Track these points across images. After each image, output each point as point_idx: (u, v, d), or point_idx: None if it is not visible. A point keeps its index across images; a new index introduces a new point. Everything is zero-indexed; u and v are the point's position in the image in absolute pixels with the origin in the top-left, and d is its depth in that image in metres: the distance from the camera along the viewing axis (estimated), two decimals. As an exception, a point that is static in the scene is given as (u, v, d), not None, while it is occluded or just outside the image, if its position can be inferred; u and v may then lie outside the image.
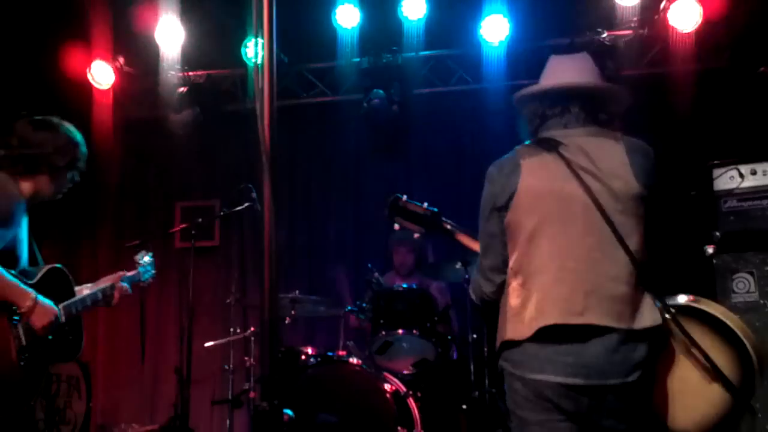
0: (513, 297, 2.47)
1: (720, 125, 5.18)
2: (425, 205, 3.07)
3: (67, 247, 7.04)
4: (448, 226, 3.00)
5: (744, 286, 3.35)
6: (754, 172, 3.47)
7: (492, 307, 2.60)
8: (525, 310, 2.42)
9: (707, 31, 5.53)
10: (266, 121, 1.80)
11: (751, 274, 3.34)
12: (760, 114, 5.01)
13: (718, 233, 3.43)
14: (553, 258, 2.42)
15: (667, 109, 5.48)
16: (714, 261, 3.41)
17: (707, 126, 5.27)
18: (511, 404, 2.48)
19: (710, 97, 5.42)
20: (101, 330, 7.05)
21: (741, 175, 3.47)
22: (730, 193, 3.47)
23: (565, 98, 2.58)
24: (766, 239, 3.35)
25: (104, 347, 7.06)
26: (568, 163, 2.47)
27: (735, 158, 3.51)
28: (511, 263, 2.52)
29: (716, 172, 3.52)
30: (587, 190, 2.43)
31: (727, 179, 3.49)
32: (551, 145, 2.52)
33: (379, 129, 6.41)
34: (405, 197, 3.09)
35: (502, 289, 2.55)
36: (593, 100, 2.58)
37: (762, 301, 3.30)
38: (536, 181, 2.49)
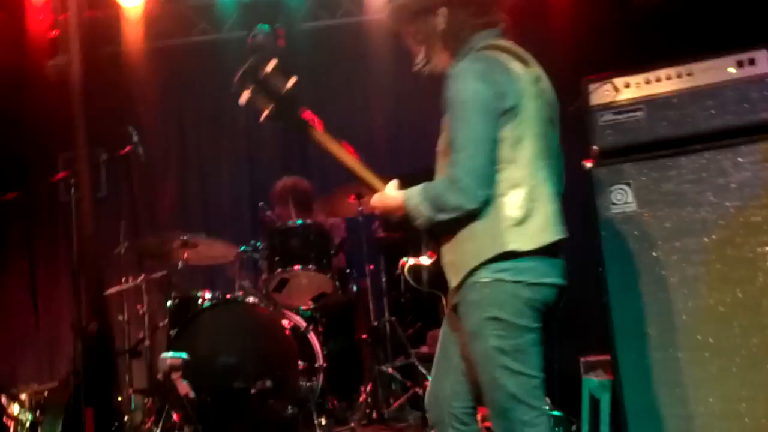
0: (511, 209, 2.47)
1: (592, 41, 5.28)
2: (292, 82, 2.75)
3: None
4: (312, 123, 2.75)
5: (622, 197, 3.42)
6: (627, 85, 3.51)
7: (447, 225, 2.52)
8: (530, 222, 2.48)
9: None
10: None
11: (628, 185, 3.41)
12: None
13: (596, 147, 3.48)
14: (541, 170, 2.56)
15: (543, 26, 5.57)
16: (592, 175, 3.46)
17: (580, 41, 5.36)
18: (509, 314, 2.45)
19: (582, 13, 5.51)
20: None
21: (616, 89, 3.51)
22: (606, 107, 3.51)
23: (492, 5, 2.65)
24: (641, 150, 3.42)
25: (-6, 309, 6.79)
26: (527, 72, 2.59)
27: (609, 72, 3.54)
28: (509, 172, 2.49)
29: (592, 86, 3.55)
30: (543, 100, 2.61)
31: (603, 93, 3.53)
32: (511, 53, 2.60)
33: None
34: (275, 63, 2.76)
35: (483, 204, 2.47)
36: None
37: (640, 210, 3.38)
38: (526, 87, 2.54)
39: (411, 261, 2.74)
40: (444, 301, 2.72)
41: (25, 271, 6.42)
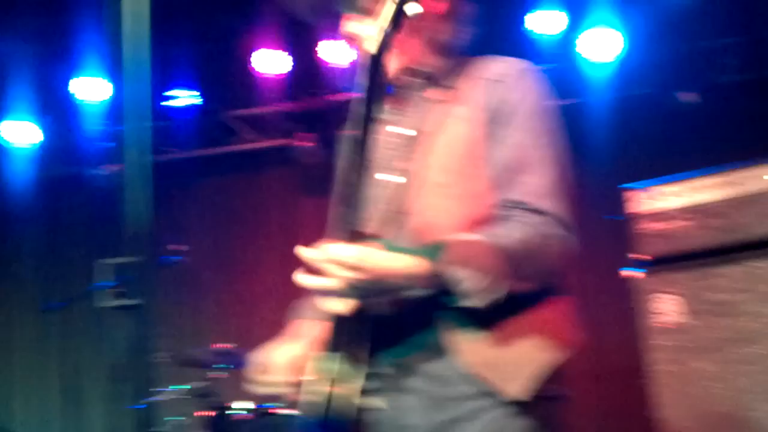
0: None
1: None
2: None
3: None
4: None
5: (668, 306, 3.36)
6: (672, 193, 3.49)
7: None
8: None
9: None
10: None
11: (676, 293, 3.36)
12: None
13: (641, 255, 3.45)
14: None
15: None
16: (638, 284, 3.42)
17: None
18: None
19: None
20: None
21: (660, 197, 3.50)
22: (650, 215, 3.49)
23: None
24: (687, 258, 3.37)
25: None
26: None
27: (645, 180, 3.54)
28: None
29: (634, 194, 3.54)
30: None
31: (647, 201, 3.52)
32: None
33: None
34: None
35: None
36: None
37: (686, 321, 3.31)
38: None
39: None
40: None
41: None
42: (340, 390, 1.66)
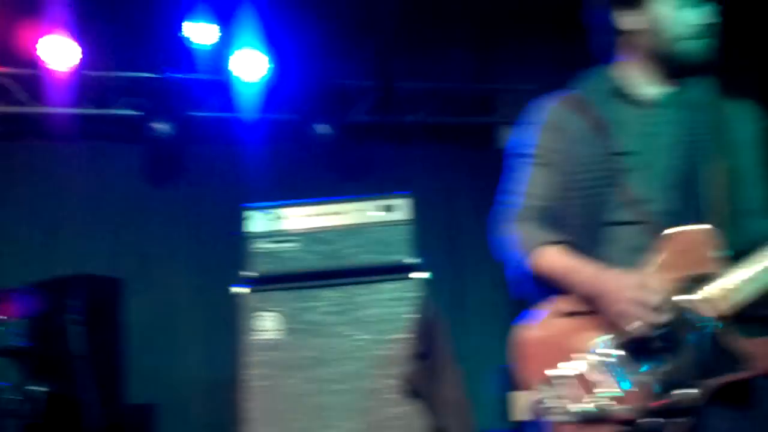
0: None
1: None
2: None
3: None
4: None
5: (269, 324, 3.49)
6: (287, 216, 3.65)
7: None
8: None
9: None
10: None
11: (276, 312, 3.50)
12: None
13: (248, 272, 3.54)
14: None
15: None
16: (242, 300, 3.51)
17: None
18: None
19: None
20: None
21: (276, 218, 3.63)
22: (262, 235, 3.61)
23: None
24: (291, 279, 3.55)
25: None
26: None
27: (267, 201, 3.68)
28: None
29: (250, 213, 3.64)
30: None
31: (262, 222, 3.63)
32: None
33: None
34: None
35: None
36: None
37: (284, 338, 3.47)
38: None
39: None
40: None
41: None
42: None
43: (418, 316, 3.42)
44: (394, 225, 3.56)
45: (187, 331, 5.43)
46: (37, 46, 5.37)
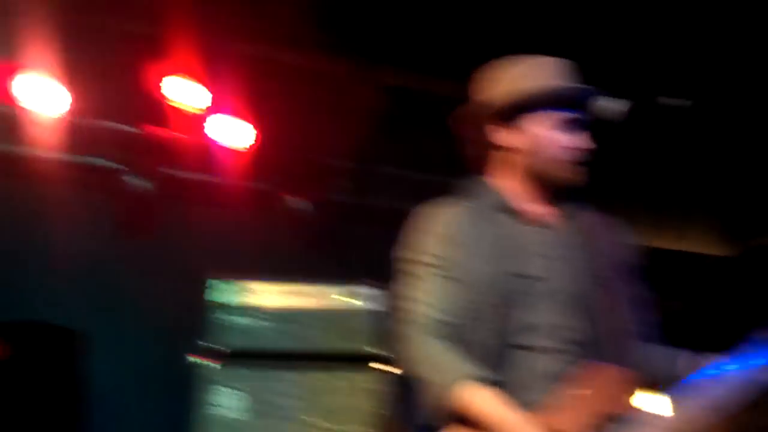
0: None
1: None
2: None
3: None
4: None
5: (230, 401, 3.45)
6: (261, 291, 3.65)
7: None
8: None
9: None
10: None
11: (241, 390, 3.46)
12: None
13: (214, 345, 3.52)
14: None
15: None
16: (203, 372, 3.48)
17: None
18: None
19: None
20: None
21: (240, 292, 3.63)
22: (234, 309, 3.59)
23: None
24: (260, 357, 3.53)
25: None
26: None
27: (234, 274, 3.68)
28: None
29: (219, 284, 3.64)
30: None
31: (233, 294, 3.62)
32: None
33: None
34: None
35: None
36: None
37: (244, 418, 3.43)
38: None
39: None
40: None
41: None
42: None
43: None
44: (360, 313, 3.58)
45: (141, 394, 5.31)
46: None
